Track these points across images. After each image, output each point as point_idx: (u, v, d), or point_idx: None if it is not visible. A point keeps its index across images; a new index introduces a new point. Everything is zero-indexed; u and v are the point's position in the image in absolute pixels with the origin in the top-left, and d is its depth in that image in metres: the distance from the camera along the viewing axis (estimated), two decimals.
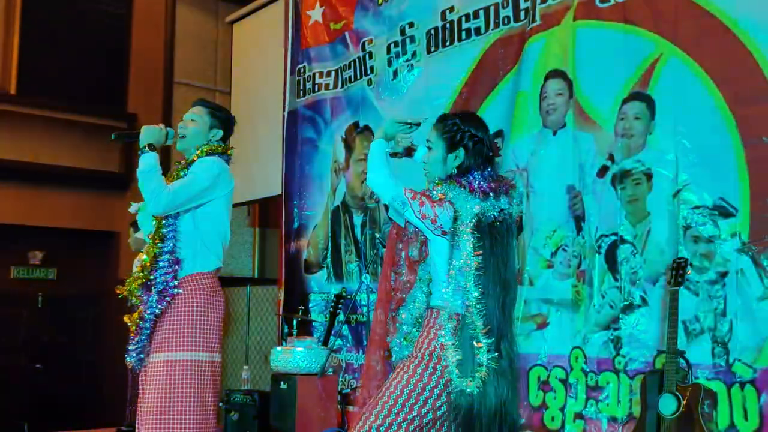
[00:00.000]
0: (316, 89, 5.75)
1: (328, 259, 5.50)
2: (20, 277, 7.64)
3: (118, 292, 3.23)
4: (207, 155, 3.25)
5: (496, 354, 2.40)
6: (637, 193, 3.50)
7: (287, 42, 6.13)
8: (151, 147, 3.12)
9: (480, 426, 2.38)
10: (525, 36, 4.06)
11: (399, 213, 2.63)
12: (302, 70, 5.91)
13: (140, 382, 3.18)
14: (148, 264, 3.12)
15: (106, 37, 7.94)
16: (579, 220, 3.73)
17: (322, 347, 4.79)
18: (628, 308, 3.48)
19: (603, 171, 3.64)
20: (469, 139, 2.63)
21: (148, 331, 3.10)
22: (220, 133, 3.39)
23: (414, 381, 2.43)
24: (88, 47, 7.66)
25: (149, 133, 3.17)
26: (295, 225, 5.88)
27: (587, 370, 3.60)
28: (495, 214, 2.52)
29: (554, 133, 3.89)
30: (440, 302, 2.52)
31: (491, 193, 2.54)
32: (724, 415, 3.07)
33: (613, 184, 3.59)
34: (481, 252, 2.44)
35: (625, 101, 3.58)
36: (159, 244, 3.12)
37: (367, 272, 4.94)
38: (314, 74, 5.78)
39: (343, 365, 5.06)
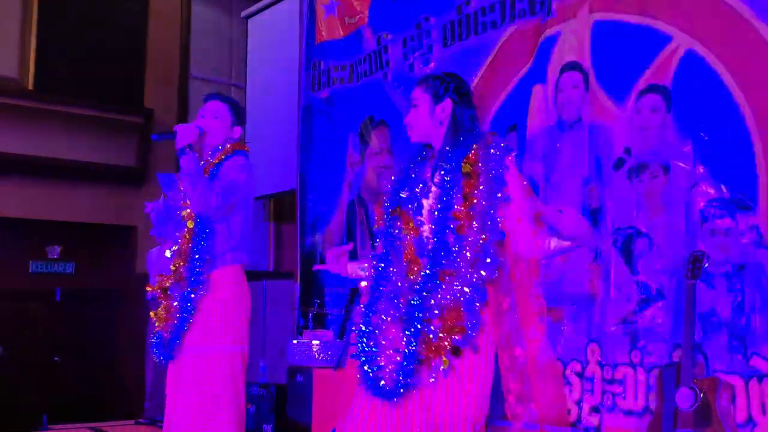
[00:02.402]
0: (331, 83, 5.76)
1: None
2: (38, 271, 7.71)
3: (148, 289, 3.31)
4: (234, 153, 3.31)
5: None
6: (654, 185, 3.48)
7: (302, 36, 6.14)
8: (190, 147, 3.16)
9: None
10: (540, 29, 4.05)
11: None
12: (317, 65, 5.91)
13: (170, 377, 3.25)
14: (180, 263, 3.17)
15: (123, 32, 7.98)
16: (595, 213, 3.71)
17: (338, 340, 4.80)
18: (645, 302, 3.46)
19: (619, 164, 3.63)
20: (454, 90, 2.58)
21: (182, 327, 3.15)
22: (241, 129, 3.45)
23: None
24: (104, 43, 7.70)
25: (185, 133, 3.18)
26: (311, 219, 5.89)
27: (604, 363, 3.59)
28: None
29: (570, 126, 3.88)
30: None
31: None
32: (741, 408, 3.05)
33: (630, 177, 3.57)
34: None
35: (641, 94, 3.56)
36: (192, 242, 3.18)
37: None
38: (329, 68, 5.78)
39: None
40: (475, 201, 2.39)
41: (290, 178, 6.27)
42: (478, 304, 2.34)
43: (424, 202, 2.52)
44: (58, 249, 7.79)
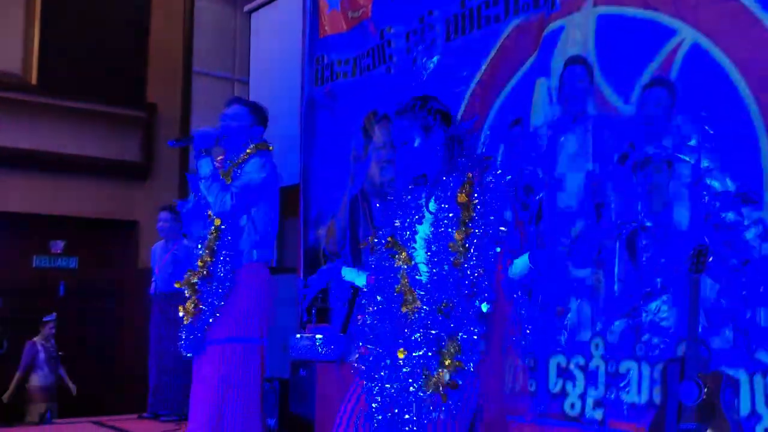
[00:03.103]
0: (335, 77, 5.75)
1: (347, 248, 5.51)
2: (42, 266, 7.72)
3: (177, 285, 3.42)
4: (255, 154, 3.39)
5: None
6: (658, 179, 3.47)
7: (305, 30, 6.13)
8: (207, 152, 3.28)
9: None
10: (544, 22, 4.04)
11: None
12: (320, 59, 5.91)
13: (196, 369, 3.34)
14: (208, 259, 3.27)
15: (126, 28, 7.98)
16: (599, 207, 3.70)
17: (341, 335, 4.80)
18: (649, 296, 3.46)
19: (623, 158, 3.62)
20: (443, 118, 2.51)
21: (208, 320, 3.25)
22: (262, 129, 3.52)
23: None
24: (107, 38, 7.70)
25: (202, 137, 3.30)
26: (314, 214, 5.89)
27: (607, 357, 3.58)
28: None
29: (574, 120, 3.87)
30: None
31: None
32: (745, 402, 3.05)
33: (634, 171, 3.57)
34: None
35: (646, 87, 3.55)
36: (219, 239, 3.28)
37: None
38: (332, 62, 5.77)
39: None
40: (470, 232, 2.36)
41: (293, 172, 6.26)
42: (475, 338, 2.31)
43: (419, 228, 2.47)
44: (61, 244, 7.81)
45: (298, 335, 4.84)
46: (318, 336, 4.70)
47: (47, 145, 7.30)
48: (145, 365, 6.60)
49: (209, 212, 3.37)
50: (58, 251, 7.75)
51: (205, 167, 3.25)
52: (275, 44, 7.09)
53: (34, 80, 7.32)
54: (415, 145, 2.49)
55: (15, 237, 7.52)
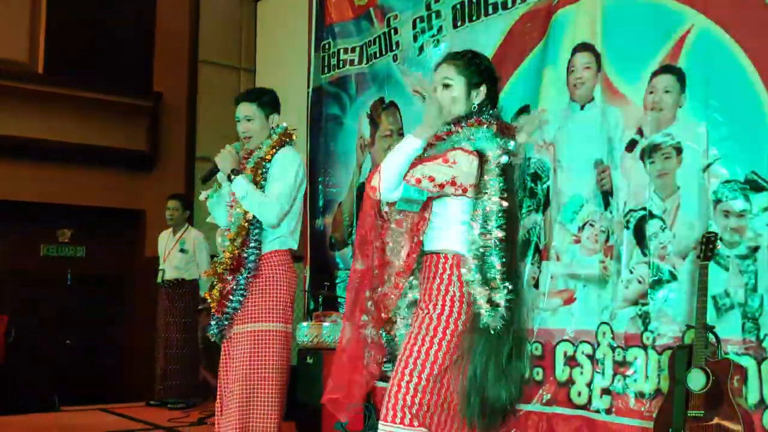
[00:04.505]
0: (341, 65, 5.74)
1: (354, 236, 5.51)
2: (50, 254, 7.74)
3: (204, 275, 3.45)
4: (280, 148, 3.41)
5: (512, 295, 2.35)
6: (667, 167, 3.46)
7: (311, 18, 6.12)
8: (235, 171, 3.31)
9: (497, 361, 2.35)
10: (552, 9, 4.02)
11: (415, 203, 2.45)
12: (327, 47, 5.89)
13: (222, 353, 3.41)
14: (235, 250, 3.31)
15: (132, 16, 7.96)
16: (607, 194, 3.69)
17: (348, 322, 4.80)
18: (657, 283, 3.45)
19: (632, 145, 3.61)
20: (489, 76, 2.54)
21: (236, 307, 3.31)
22: (277, 116, 3.51)
23: (438, 338, 2.37)
24: (114, 27, 7.69)
25: (225, 160, 3.35)
26: (321, 202, 5.89)
27: (615, 345, 3.58)
28: (509, 154, 2.44)
29: (582, 108, 3.85)
30: (448, 246, 2.43)
31: (506, 132, 2.46)
32: (753, 390, 3.04)
33: (642, 158, 3.55)
34: (506, 195, 2.38)
35: (654, 74, 3.54)
36: (246, 230, 3.32)
37: None
38: (339, 50, 5.76)
39: (368, 340, 5.07)
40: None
41: None
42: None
43: None
44: (69, 233, 7.82)
45: (305, 323, 4.85)
46: (325, 324, 4.70)
47: (53, 134, 7.29)
48: (153, 353, 6.63)
49: (231, 201, 3.40)
50: (66, 240, 7.76)
51: (240, 188, 3.28)
52: (281, 32, 7.07)
53: (40, 69, 7.31)
54: (456, 93, 2.49)
55: (22, 226, 7.54)
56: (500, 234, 2.34)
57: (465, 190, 2.37)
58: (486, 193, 2.36)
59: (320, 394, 4.56)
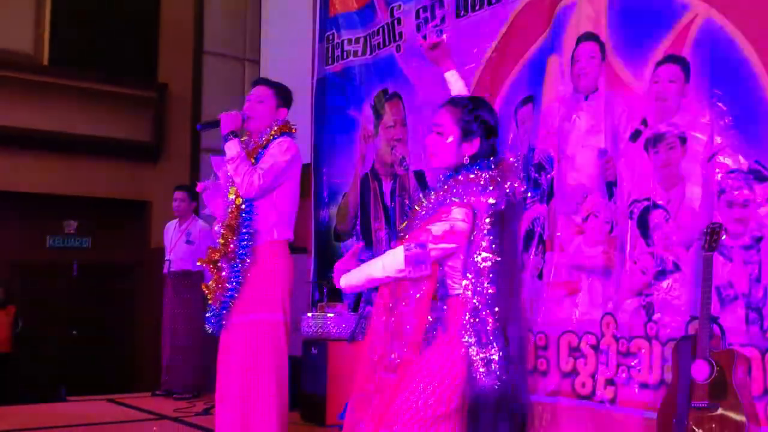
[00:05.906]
0: (345, 56, 5.72)
1: (358, 227, 5.51)
2: (56, 246, 7.78)
3: (199, 263, 3.46)
4: (279, 135, 3.43)
5: (505, 347, 2.32)
6: (671, 157, 3.44)
7: (315, 9, 6.10)
8: (233, 134, 3.33)
9: (491, 415, 2.33)
10: None
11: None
12: (331, 37, 5.88)
13: (222, 345, 3.39)
14: (229, 237, 3.31)
15: (137, 7, 7.97)
16: (611, 185, 3.68)
17: (353, 313, 4.82)
18: (661, 274, 3.44)
19: (636, 135, 3.59)
20: (485, 129, 2.47)
21: (231, 297, 3.31)
22: (286, 111, 3.55)
23: (438, 378, 2.36)
24: (118, 18, 7.70)
25: (228, 120, 3.36)
26: (325, 193, 5.89)
27: (619, 336, 3.58)
28: (503, 200, 2.41)
29: (586, 98, 3.84)
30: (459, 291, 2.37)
31: (499, 180, 2.43)
32: (757, 381, 3.03)
33: (646, 148, 3.54)
34: (496, 248, 2.34)
35: (659, 64, 3.52)
36: (240, 217, 3.33)
37: (397, 239, 4.94)
38: (343, 41, 5.75)
39: None
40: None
41: (304, 152, 6.24)
42: None
43: None
44: (74, 224, 7.85)
45: (310, 314, 4.86)
46: (329, 314, 4.71)
47: (59, 125, 7.31)
48: (159, 344, 6.65)
49: (231, 190, 3.40)
50: (72, 231, 7.79)
51: (232, 149, 3.30)
52: (286, 23, 7.05)
53: (45, 61, 7.33)
54: (448, 141, 2.48)
55: (28, 217, 7.57)
56: (490, 289, 2.29)
57: (462, 242, 2.34)
58: (473, 246, 2.33)
59: (325, 384, 4.60)
